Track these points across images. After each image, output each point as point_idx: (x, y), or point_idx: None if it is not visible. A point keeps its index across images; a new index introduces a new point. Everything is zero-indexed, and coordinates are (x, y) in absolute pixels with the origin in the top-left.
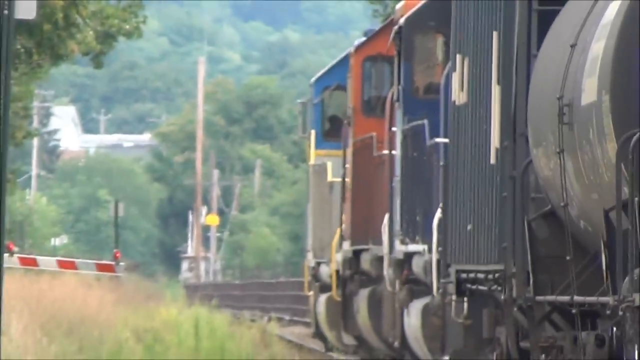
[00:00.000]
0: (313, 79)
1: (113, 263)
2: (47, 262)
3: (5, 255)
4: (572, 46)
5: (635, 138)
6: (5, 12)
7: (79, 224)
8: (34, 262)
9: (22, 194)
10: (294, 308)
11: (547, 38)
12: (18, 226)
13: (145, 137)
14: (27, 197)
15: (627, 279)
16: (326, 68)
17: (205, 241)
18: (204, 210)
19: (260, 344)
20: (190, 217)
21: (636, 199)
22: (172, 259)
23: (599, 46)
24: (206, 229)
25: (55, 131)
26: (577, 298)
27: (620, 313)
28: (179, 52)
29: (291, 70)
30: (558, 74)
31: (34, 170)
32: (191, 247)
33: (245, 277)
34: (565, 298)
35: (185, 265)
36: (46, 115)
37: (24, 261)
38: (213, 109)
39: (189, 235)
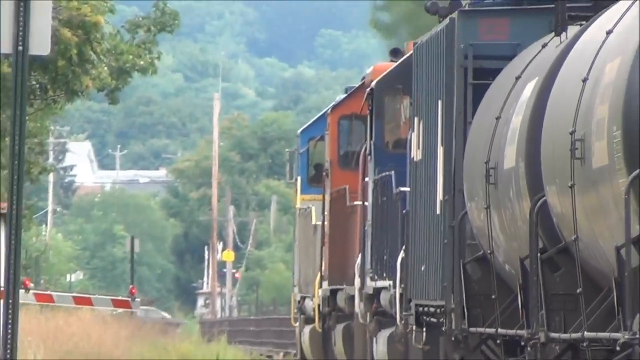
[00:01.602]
0: (299, 130)
1: (129, 299)
2: (63, 298)
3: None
4: (497, 118)
5: (540, 202)
6: (20, 48)
7: (94, 259)
8: (50, 299)
9: (38, 229)
10: None
11: (479, 109)
12: (34, 262)
13: (161, 173)
14: (43, 233)
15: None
16: (311, 121)
17: (221, 277)
18: (220, 246)
19: None
20: (206, 253)
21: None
22: (187, 295)
23: (517, 119)
24: (222, 264)
25: (70, 167)
26: (500, 330)
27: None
28: (194, 88)
29: (306, 106)
30: (486, 141)
31: (50, 206)
32: (207, 283)
33: (261, 312)
34: (492, 330)
35: (201, 301)
36: (62, 151)
37: (40, 297)
38: (228, 145)
39: (205, 271)
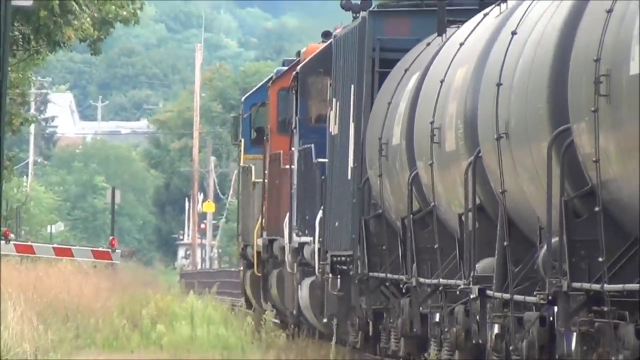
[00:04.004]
0: (243, 97)
1: (109, 250)
2: (44, 249)
3: (2, 242)
4: (389, 103)
5: (413, 174)
6: None
7: (75, 211)
8: (30, 249)
9: (19, 181)
10: None
11: (378, 95)
12: (15, 213)
13: (142, 124)
14: (24, 184)
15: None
16: (254, 89)
17: (201, 230)
18: (201, 197)
19: (256, 330)
20: (187, 204)
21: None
22: (168, 246)
23: (403, 105)
24: (203, 216)
25: (52, 118)
26: (389, 275)
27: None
28: (176, 39)
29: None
30: (381, 122)
31: (31, 157)
32: (187, 235)
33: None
34: (383, 275)
35: (181, 252)
36: (43, 102)
37: (20, 248)
38: (210, 95)
39: (185, 222)
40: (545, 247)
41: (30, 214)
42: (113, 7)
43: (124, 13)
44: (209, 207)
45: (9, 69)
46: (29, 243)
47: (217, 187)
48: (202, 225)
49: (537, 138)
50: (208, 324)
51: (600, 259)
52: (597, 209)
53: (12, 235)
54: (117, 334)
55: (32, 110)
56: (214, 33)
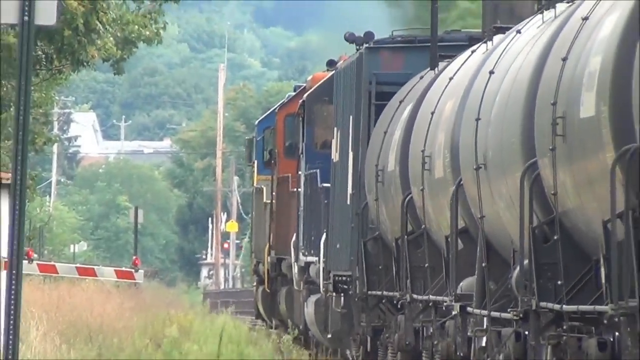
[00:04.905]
0: (257, 121)
1: (132, 270)
2: (67, 268)
3: (25, 262)
4: (385, 132)
5: (407, 198)
6: (26, 18)
7: (98, 230)
8: (53, 269)
9: (42, 200)
10: None
11: (376, 124)
12: (37, 233)
13: (166, 144)
14: (47, 203)
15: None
16: (267, 113)
17: (225, 248)
18: (224, 217)
19: (279, 350)
20: (210, 224)
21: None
22: (191, 266)
23: (397, 134)
24: (226, 235)
25: (75, 137)
26: (385, 292)
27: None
28: (199, 59)
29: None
30: (378, 149)
31: (54, 177)
32: (210, 254)
33: None
34: (378, 292)
35: (204, 271)
36: (66, 121)
37: (43, 268)
38: (233, 115)
39: (209, 242)
40: (517, 268)
41: (53, 234)
42: (136, 26)
43: (147, 33)
44: (232, 226)
45: (32, 88)
46: (52, 263)
47: (240, 207)
48: (225, 245)
49: (511, 169)
50: (231, 343)
51: (559, 282)
52: (555, 237)
53: (35, 255)
54: (139, 353)
55: (55, 130)
56: (237, 53)
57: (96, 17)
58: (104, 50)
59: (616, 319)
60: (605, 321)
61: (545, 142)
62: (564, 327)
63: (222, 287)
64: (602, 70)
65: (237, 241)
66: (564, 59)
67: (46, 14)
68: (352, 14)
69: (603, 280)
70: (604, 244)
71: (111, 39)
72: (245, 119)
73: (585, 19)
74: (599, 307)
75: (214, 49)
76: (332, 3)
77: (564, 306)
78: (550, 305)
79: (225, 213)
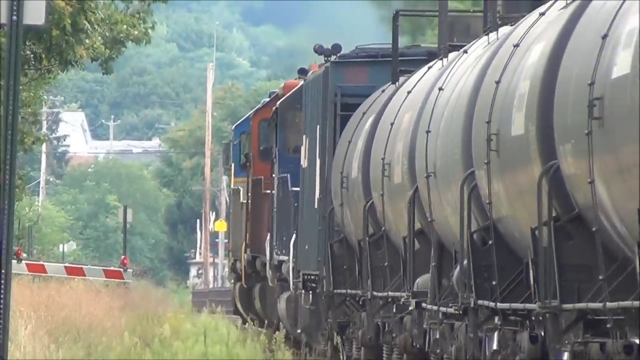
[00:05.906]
0: (233, 126)
1: (121, 270)
2: (56, 268)
3: (14, 261)
4: (349, 142)
5: (368, 204)
6: (14, 17)
7: (87, 230)
8: (42, 269)
9: (31, 200)
10: None
11: (342, 133)
12: (26, 232)
13: (154, 143)
14: (36, 203)
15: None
16: (243, 118)
17: (213, 247)
18: (212, 216)
19: (268, 349)
20: (199, 223)
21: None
22: (180, 265)
23: (360, 143)
24: (214, 234)
25: (64, 137)
26: (349, 291)
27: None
28: (188, 58)
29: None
30: (342, 158)
31: (43, 176)
32: (199, 253)
33: None
34: (343, 291)
35: (193, 271)
36: (55, 121)
37: (32, 267)
38: (222, 114)
39: (197, 241)
40: (458, 268)
41: (42, 233)
42: (125, 26)
43: (136, 32)
44: (221, 226)
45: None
46: (41, 262)
47: (229, 206)
48: (217, 240)
49: (455, 178)
50: (220, 342)
51: (493, 282)
52: (490, 242)
53: (24, 255)
54: (128, 353)
55: (44, 129)
56: (226, 52)
57: (84, 16)
58: (93, 50)
59: (540, 317)
60: (533, 318)
61: (481, 156)
62: (499, 322)
63: (210, 286)
64: (530, 93)
65: (226, 240)
66: (497, 82)
67: (35, 14)
68: (341, 13)
69: (532, 282)
70: (532, 249)
71: (99, 38)
72: (233, 118)
73: (516, 46)
74: (528, 305)
75: (203, 48)
76: (320, 3)
77: (498, 304)
78: (486, 303)
79: (214, 212)
